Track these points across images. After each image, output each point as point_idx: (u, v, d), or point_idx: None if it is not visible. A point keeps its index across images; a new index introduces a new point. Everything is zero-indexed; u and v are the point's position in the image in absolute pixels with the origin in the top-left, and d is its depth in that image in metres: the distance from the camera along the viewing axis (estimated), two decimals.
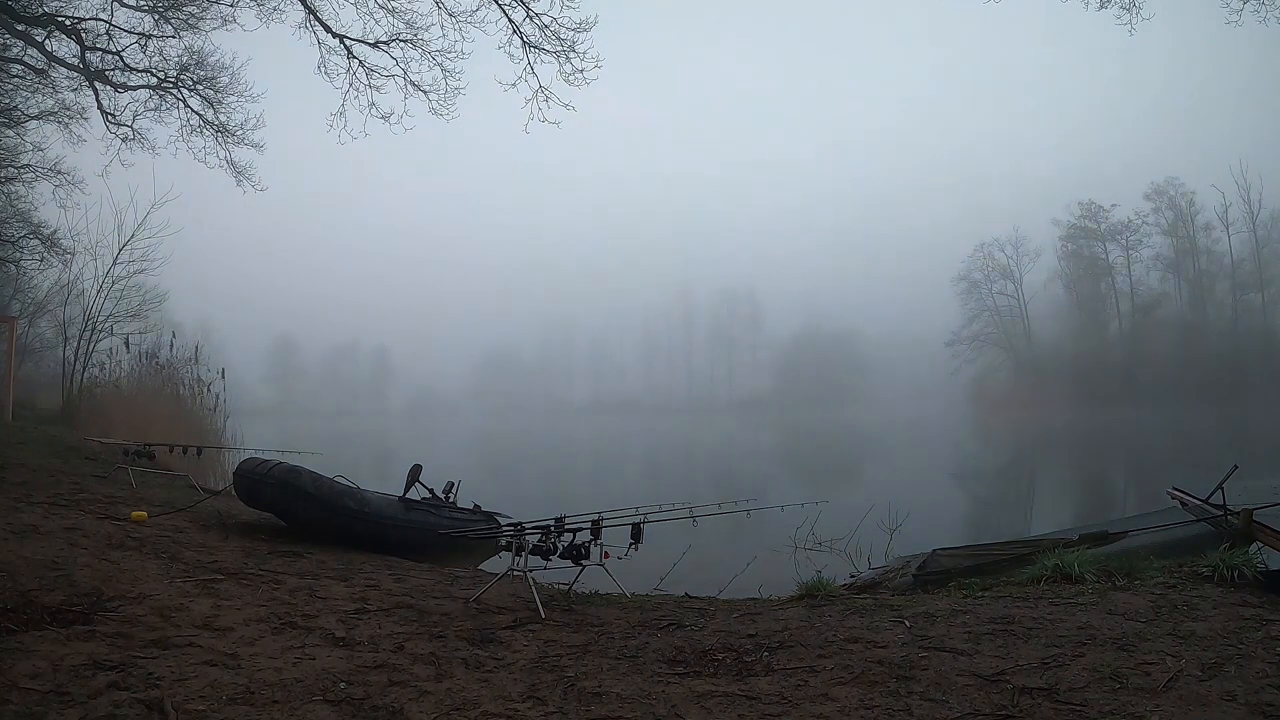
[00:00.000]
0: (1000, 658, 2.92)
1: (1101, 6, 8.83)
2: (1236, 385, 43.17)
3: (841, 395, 69.98)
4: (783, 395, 74.22)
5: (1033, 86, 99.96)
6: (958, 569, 4.82)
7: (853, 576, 5.59)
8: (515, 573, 4.17)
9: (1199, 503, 5.10)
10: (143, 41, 13.69)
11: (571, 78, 11.29)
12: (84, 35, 13.37)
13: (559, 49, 11.16)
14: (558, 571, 4.27)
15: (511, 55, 11.37)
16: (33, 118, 16.61)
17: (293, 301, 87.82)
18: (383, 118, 12.57)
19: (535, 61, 11.29)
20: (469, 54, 12.07)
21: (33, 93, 16.01)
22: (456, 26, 11.70)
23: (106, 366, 17.35)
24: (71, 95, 15.50)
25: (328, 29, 12.23)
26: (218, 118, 14.40)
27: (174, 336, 17.24)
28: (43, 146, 17.37)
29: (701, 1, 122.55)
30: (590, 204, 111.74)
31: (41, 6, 13.05)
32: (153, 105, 14.40)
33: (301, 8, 12.10)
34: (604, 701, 2.61)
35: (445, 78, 12.19)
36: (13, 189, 18.04)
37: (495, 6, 11.20)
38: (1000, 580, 4.46)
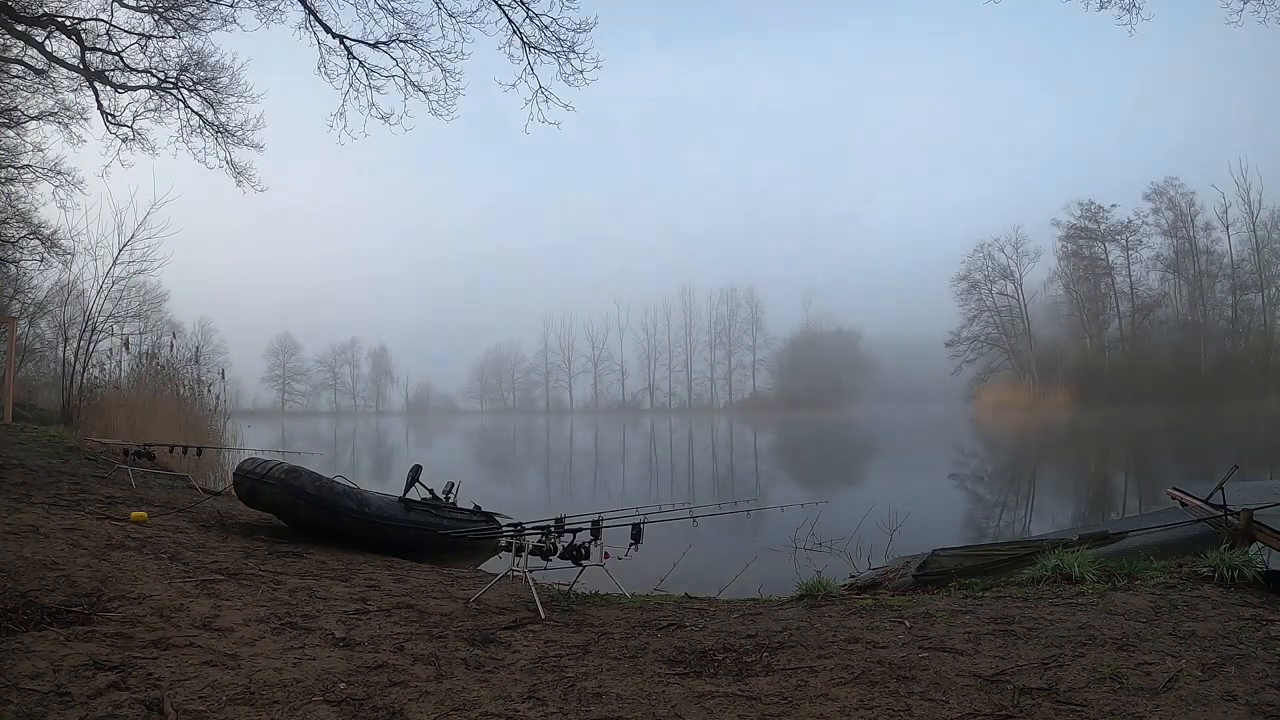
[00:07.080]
0: (1000, 658, 2.92)
1: (1101, 7, 8.85)
2: (1236, 385, 43.16)
3: (841, 395, 70.05)
4: (783, 395, 74.30)
5: (1032, 87, 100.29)
6: (958, 569, 4.81)
7: (853, 576, 5.58)
8: (515, 573, 4.16)
9: (1199, 503, 5.11)
10: (143, 42, 13.75)
11: (571, 78, 11.34)
12: (84, 35, 13.40)
13: (559, 50, 11.22)
14: (558, 572, 4.26)
15: (511, 56, 11.43)
16: (33, 118, 16.67)
17: (293, 301, 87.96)
18: (383, 118, 12.61)
19: (535, 62, 11.35)
20: (469, 54, 12.12)
21: (33, 93, 16.08)
22: (456, 27, 11.76)
23: (106, 367, 17.38)
24: (71, 95, 15.58)
25: (328, 29, 12.25)
26: (218, 118, 14.45)
27: (174, 337, 17.32)
28: (43, 146, 17.45)
29: (705, 4, 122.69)
30: (590, 203, 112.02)
31: (41, 6, 13.07)
32: (153, 105, 14.46)
33: (301, 8, 12.13)
34: (604, 702, 2.61)
35: (445, 78, 12.24)
36: (13, 189, 18.11)
37: (495, 7, 11.24)
38: (1000, 580, 4.46)
